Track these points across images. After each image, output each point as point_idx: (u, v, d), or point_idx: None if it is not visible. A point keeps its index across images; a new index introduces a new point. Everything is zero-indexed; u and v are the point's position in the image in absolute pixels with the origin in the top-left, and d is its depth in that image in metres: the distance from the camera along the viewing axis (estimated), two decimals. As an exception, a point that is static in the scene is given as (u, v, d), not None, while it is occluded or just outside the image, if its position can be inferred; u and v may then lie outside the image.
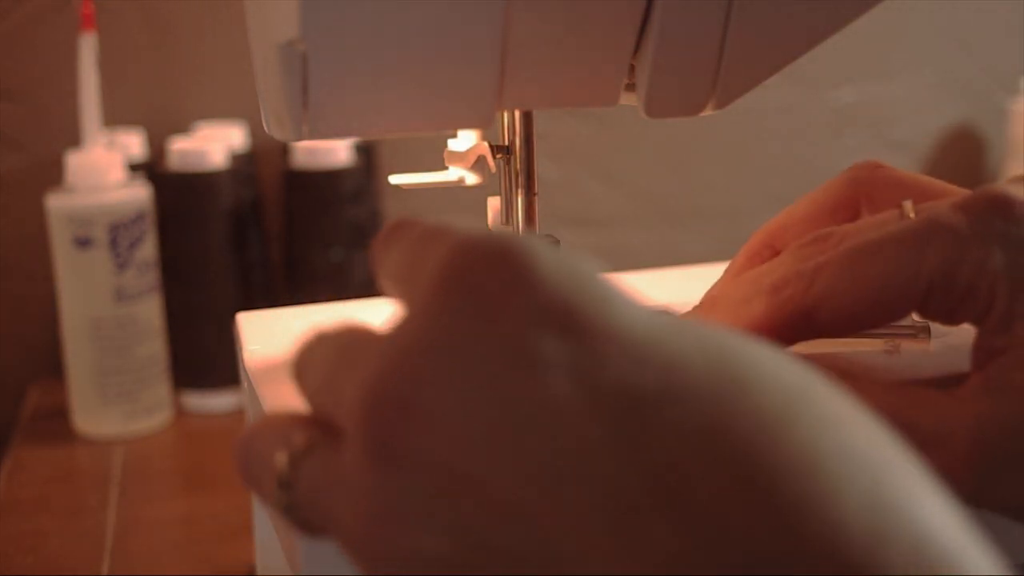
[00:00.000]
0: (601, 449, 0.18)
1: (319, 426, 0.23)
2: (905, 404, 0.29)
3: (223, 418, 0.68)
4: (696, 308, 0.35)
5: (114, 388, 0.64)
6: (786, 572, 0.17)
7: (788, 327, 0.31)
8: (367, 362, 0.21)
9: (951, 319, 0.31)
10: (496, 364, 0.19)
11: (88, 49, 0.60)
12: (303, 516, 0.23)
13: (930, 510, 0.19)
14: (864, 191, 0.38)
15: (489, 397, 0.19)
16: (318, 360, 0.24)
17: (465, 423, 0.19)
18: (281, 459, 0.23)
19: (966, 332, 0.41)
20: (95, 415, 0.64)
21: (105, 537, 0.52)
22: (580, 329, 0.20)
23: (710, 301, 0.35)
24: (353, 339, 0.23)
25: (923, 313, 0.31)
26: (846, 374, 0.31)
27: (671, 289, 0.46)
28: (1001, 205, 0.30)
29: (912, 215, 0.32)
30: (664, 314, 0.21)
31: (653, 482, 0.18)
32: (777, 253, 0.37)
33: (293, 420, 0.24)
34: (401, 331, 0.20)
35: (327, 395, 0.23)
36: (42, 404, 0.71)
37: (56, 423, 0.66)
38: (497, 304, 0.20)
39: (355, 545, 0.21)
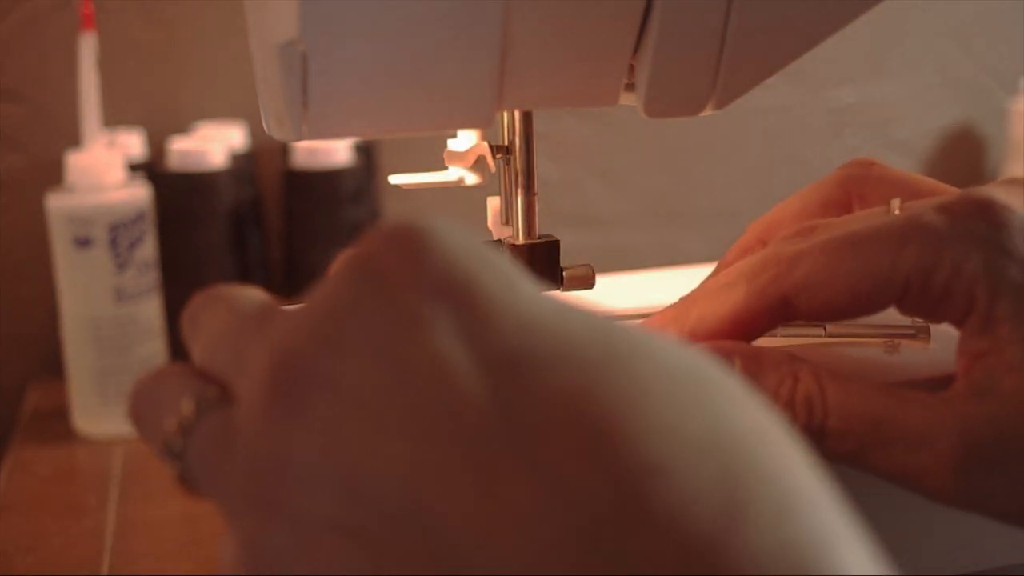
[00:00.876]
0: (476, 408, 0.19)
1: (211, 384, 0.24)
2: (892, 404, 0.29)
3: (223, 418, 0.68)
4: (682, 299, 0.35)
5: (114, 388, 0.64)
6: (629, 539, 0.17)
7: (765, 311, 0.32)
8: (274, 328, 0.21)
9: (933, 318, 0.31)
10: (391, 328, 0.20)
11: (88, 49, 0.60)
12: (192, 475, 0.23)
13: (799, 483, 0.19)
14: (856, 189, 0.38)
15: (383, 361, 0.20)
16: (214, 320, 0.25)
17: (360, 385, 0.19)
18: (171, 421, 0.23)
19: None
20: (95, 415, 0.64)
21: (105, 537, 0.52)
22: (472, 299, 0.20)
23: (695, 291, 0.35)
24: (255, 306, 0.24)
25: (903, 310, 0.31)
26: (835, 373, 0.31)
27: (671, 289, 0.46)
28: (984, 208, 0.30)
29: (897, 212, 0.32)
30: (559, 298, 0.21)
31: (518, 443, 0.18)
32: None
33: (187, 375, 0.25)
34: (309, 301, 0.21)
35: (224, 354, 0.24)
36: (42, 404, 0.71)
37: (56, 423, 0.66)
38: (395, 275, 0.20)
39: (242, 508, 0.21)
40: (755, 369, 0.31)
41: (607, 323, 0.20)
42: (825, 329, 0.41)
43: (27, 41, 0.73)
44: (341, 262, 0.22)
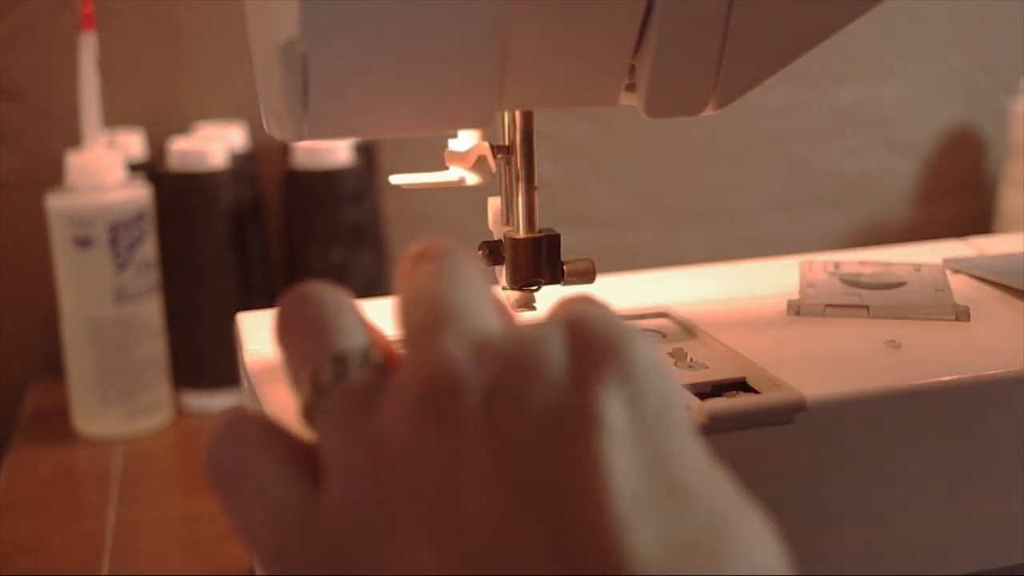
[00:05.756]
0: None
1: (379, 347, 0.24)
2: None
3: (223, 418, 0.67)
4: None
5: (114, 388, 0.64)
6: None
7: None
8: (478, 346, 0.22)
9: None
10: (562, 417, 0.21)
11: (88, 49, 0.60)
12: (318, 417, 0.24)
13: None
14: None
15: (538, 435, 0.21)
16: (429, 289, 0.24)
17: (500, 443, 0.21)
18: (326, 365, 0.24)
19: (1003, 321, 0.41)
20: (95, 415, 0.64)
21: (105, 537, 0.52)
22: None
23: None
24: (474, 313, 0.24)
25: None
26: None
27: (671, 289, 0.46)
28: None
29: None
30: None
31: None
32: None
33: (359, 323, 0.25)
34: (517, 336, 0.22)
35: (418, 334, 0.23)
36: (42, 404, 0.71)
37: (56, 423, 0.66)
38: (586, 367, 0.22)
39: (348, 467, 0.22)
40: None
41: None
42: (868, 310, 0.42)
43: (27, 41, 0.73)
44: (561, 317, 0.23)
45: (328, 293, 0.25)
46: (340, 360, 0.24)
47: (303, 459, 0.24)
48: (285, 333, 0.25)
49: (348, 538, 0.22)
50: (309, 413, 0.24)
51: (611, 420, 0.20)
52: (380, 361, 0.24)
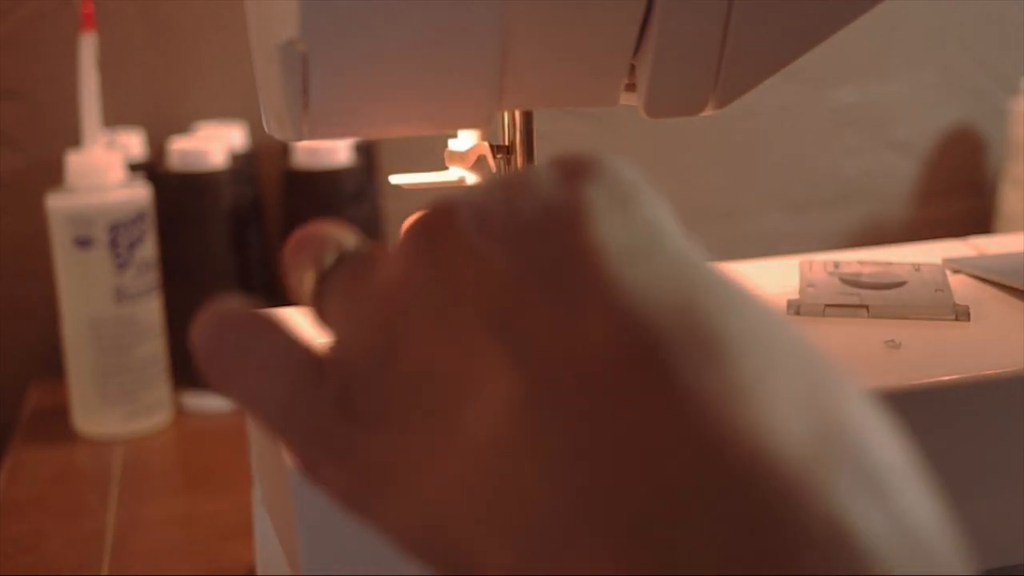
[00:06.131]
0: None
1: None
2: None
3: (223, 418, 0.67)
4: None
5: (114, 388, 0.64)
6: (714, 500, 0.16)
7: None
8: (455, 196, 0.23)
9: None
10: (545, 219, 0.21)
11: (88, 49, 0.60)
12: (324, 299, 0.24)
13: (894, 460, 0.19)
14: None
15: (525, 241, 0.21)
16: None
17: (501, 263, 0.20)
18: (329, 252, 0.25)
19: (1002, 321, 0.41)
20: (95, 415, 0.64)
21: (105, 537, 0.52)
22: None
23: None
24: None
25: None
26: None
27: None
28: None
29: None
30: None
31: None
32: None
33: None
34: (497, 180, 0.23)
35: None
36: (42, 404, 0.71)
37: (56, 423, 0.66)
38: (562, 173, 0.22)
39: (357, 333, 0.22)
40: None
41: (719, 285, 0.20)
42: (868, 310, 0.42)
43: (27, 41, 0.73)
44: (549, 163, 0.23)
45: (329, 223, 0.26)
46: (340, 249, 0.25)
47: (303, 343, 0.24)
48: (290, 255, 0.26)
49: (361, 365, 0.22)
50: (317, 302, 0.24)
51: (600, 207, 0.21)
52: (379, 248, 0.25)
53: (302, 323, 0.25)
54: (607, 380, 0.18)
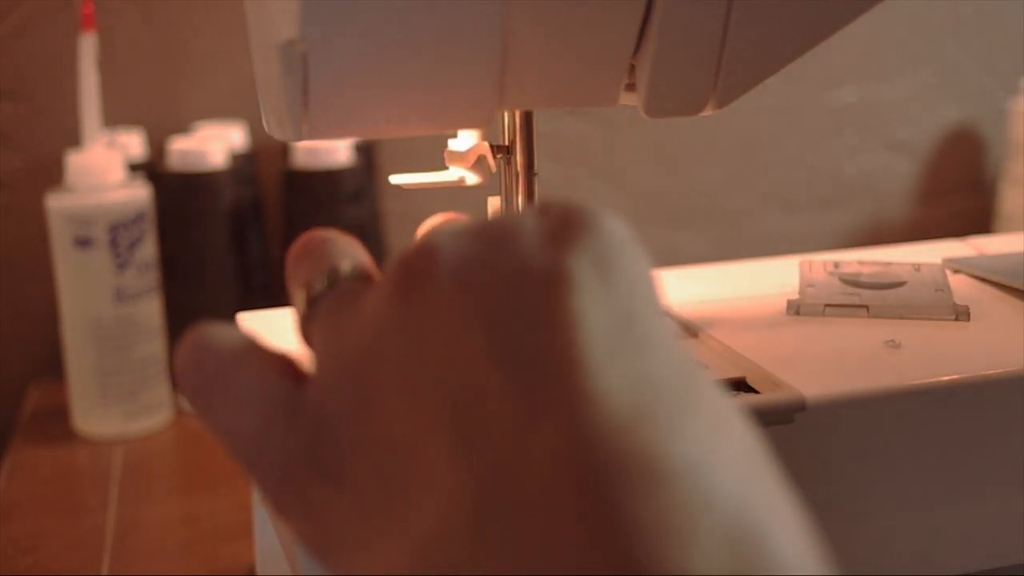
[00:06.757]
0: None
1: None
2: None
3: (223, 418, 0.68)
4: None
5: (114, 388, 0.64)
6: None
7: None
8: (443, 230, 0.23)
9: None
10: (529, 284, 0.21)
11: (88, 49, 0.60)
12: (310, 321, 0.25)
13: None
14: None
15: (504, 298, 0.21)
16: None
17: (478, 310, 0.21)
18: (321, 275, 0.25)
19: (1002, 321, 0.41)
20: (95, 415, 0.64)
21: (105, 537, 0.52)
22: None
23: None
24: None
25: None
26: None
27: (671, 289, 0.46)
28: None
29: None
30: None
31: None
32: None
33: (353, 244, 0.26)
34: (487, 222, 0.23)
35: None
36: (42, 404, 0.71)
37: (56, 423, 0.66)
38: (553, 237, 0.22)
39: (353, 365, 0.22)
40: None
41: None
42: (868, 310, 0.42)
43: (27, 41, 0.73)
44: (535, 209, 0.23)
45: (332, 233, 0.27)
46: (332, 272, 0.25)
47: (284, 366, 0.24)
48: (289, 266, 0.27)
49: (332, 415, 0.22)
50: (305, 326, 0.25)
51: (581, 278, 0.21)
52: (371, 274, 0.25)
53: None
54: (547, 502, 0.18)
